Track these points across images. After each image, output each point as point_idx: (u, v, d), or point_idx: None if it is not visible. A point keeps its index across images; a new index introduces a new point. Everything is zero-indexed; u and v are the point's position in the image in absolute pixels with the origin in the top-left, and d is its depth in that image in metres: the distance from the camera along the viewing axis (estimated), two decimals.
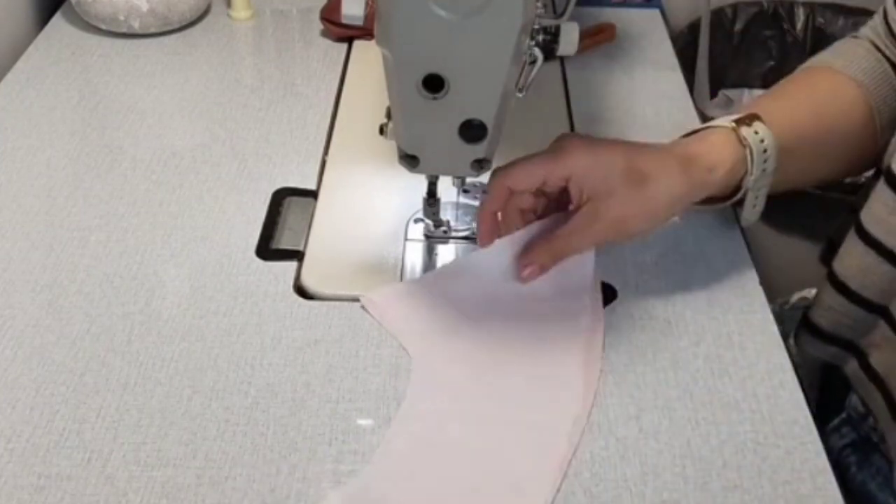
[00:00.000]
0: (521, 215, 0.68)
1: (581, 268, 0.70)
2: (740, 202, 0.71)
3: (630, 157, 0.65)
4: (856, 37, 0.78)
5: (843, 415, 0.78)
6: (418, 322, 0.68)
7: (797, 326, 0.80)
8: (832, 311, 0.75)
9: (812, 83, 0.77)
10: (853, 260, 0.72)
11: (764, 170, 0.69)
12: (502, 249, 0.69)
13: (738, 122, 0.69)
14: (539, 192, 0.67)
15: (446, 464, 0.60)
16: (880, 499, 0.73)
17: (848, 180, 1.27)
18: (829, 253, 0.77)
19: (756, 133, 0.68)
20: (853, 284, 0.72)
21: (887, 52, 0.75)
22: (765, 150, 0.68)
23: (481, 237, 0.68)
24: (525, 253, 0.68)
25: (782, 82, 0.78)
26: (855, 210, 0.73)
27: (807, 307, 0.79)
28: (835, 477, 0.59)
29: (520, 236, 0.68)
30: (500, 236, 0.68)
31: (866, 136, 0.75)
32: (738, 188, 0.70)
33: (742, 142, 0.68)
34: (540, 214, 0.69)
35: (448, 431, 0.61)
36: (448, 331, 0.68)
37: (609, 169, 0.64)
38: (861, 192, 0.74)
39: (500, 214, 0.68)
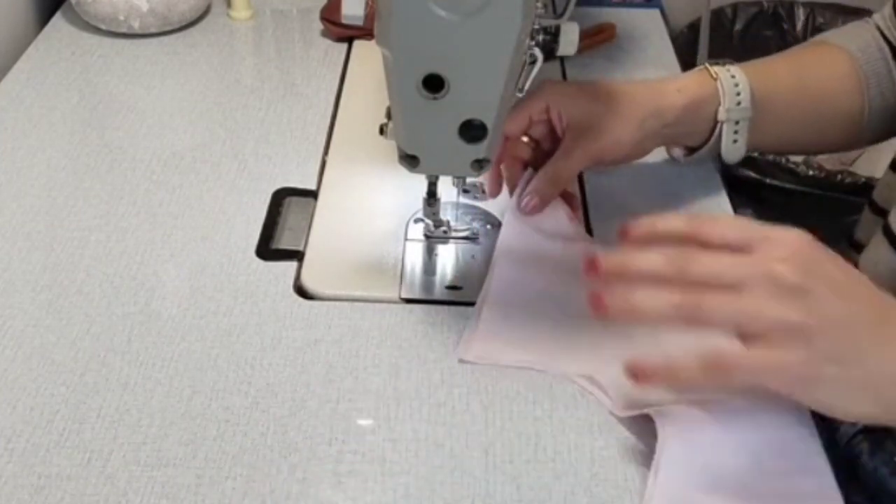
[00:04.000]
0: (521, 164, 0.74)
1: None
2: (720, 142, 0.75)
3: (599, 84, 0.73)
4: (865, 21, 0.80)
5: None
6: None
7: None
8: None
9: (799, 50, 0.81)
10: (878, 257, 0.72)
11: (738, 103, 0.73)
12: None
13: (710, 63, 0.75)
14: (534, 143, 0.74)
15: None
16: (892, 484, 0.74)
17: (848, 180, 1.28)
18: (853, 250, 0.77)
19: (727, 70, 0.74)
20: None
21: (888, 35, 0.76)
22: (736, 84, 0.73)
23: (490, 189, 0.75)
24: (525, 189, 0.72)
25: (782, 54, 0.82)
26: (884, 210, 0.74)
27: None
28: (844, 465, 0.59)
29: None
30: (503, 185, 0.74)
31: (853, 106, 0.77)
32: (713, 126, 0.74)
33: (712, 76, 0.74)
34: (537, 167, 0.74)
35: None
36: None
37: (579, 91, 0.72)
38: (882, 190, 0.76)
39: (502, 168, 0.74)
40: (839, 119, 0.77)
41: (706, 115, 0.74)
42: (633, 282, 0.53)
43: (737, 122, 0.74)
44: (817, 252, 0.53)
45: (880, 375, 0.52)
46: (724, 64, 0.75)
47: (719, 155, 0.77)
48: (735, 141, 0.75)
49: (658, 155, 0.81)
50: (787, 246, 0.52)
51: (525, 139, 0.75)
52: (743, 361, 0.52)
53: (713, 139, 0.75)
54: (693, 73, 0.76)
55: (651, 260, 0.53)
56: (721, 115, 0.74)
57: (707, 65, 0.75)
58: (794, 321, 0.51)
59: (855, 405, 0.54)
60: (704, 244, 0.53)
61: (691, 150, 0.79)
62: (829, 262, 0.53)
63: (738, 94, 0.73)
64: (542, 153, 0.74)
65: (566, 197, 0.75)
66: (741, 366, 0.52)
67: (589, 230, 0.78)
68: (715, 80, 0.74)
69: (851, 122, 0.77)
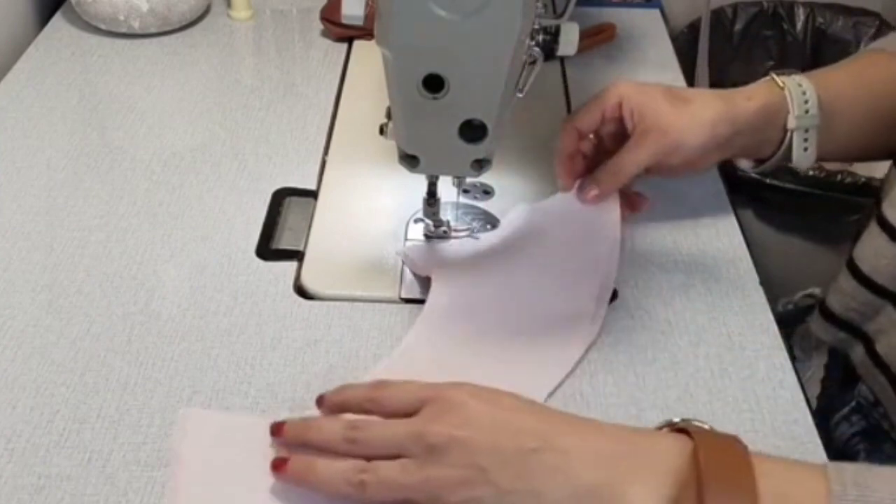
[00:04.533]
0: (585, 160, 0.75)
1: (608, 222, 0.74)
2: (789, 151, 0.75)
3: (672, 89, 0.74)
4: None
5: (853, 403, 0.79)
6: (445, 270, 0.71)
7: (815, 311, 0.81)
8: (844, 295, 0.75)
9: (857, 59, 0.80)
10: (870, 244, 0.73)
11: (807, 111, 0.73)
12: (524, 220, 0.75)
13: (776, 74, 0.75)
14: (598, 142, 0.76)
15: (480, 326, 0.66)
16: None
17: (848, 180, 1.28)
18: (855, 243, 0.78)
19: (793, 79, 0.74)
20: (865, 268, 0.73)
21: None
22: (804, 93, 0.73)
23: (564, 179, 0.74)
24: (586, 180, 0.73)
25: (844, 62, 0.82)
26: (879, 200, 0.74)
27: (810, 306, 0.80)
28: None
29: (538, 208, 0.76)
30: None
31: None
32: (783, 136, 0.74)
33: (780, 85, 0.74)
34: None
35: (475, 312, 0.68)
36: (470, 270, 0.72)
37: (653, 90, 0.73)
38: (885, 182, 0.76)
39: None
40: None
41: (776, 124, 0.74)
42: (312, 447, 0.56)
43: (806, 130, 0.74)
44: (473, 401, 0.53)
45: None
46: (789, 74, 0.75)
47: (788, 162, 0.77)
48: (805, 149, 0.74)
49: None
50: (444, 402, 0.53)
51: (591, 136, 0.76)
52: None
53: (783, 148, 0.75)
54: (760, 83, 0.75)
55: (325, 430, 0.56)
56: (791, 124, 0.73)
57: (773, 74, 0.75)
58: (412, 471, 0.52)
59: None
60: (383, 410, 0.56)
61: (759, 161, 0.78)
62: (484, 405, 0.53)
63: (807, 101, 0.73)
64: (604, 153, 0.74)
65: (631, 198, 0.75)
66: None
67: None
68: (782, 88, 0.73)
69: None
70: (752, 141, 0.74)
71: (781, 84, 0.74)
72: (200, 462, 0.57)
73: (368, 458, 0.53)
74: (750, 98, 0.73)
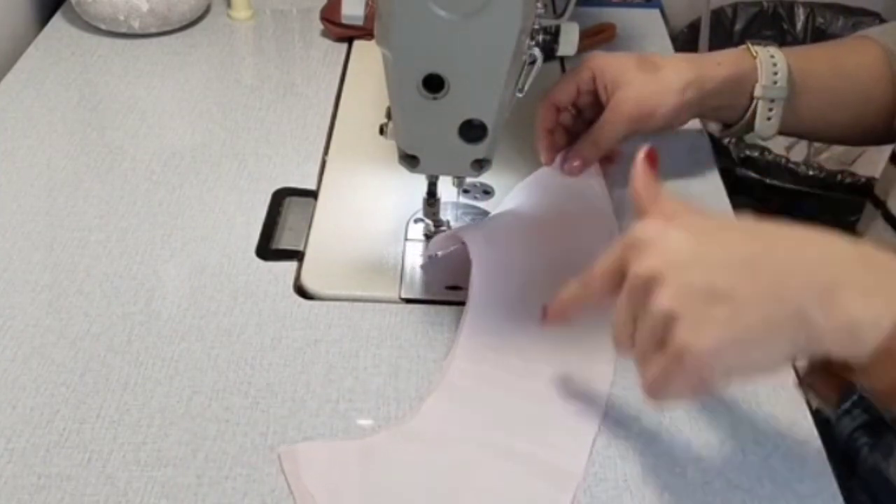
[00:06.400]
0: (566, 133, 0.78)
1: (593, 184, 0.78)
2: (754, 119, 0.78)
3: (642, 56, 0.77)
4: None
5: (854, 397, 0.78)
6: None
7: None
8: None
9: (839, 41, 0.83)
10: (874, 242, 0.73)
11: (775, 82, 0.75)
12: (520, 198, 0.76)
13: (752, 43, 0.78)
14: (578, 112, 0.78)
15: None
16: (894, 478, 0.73)
17: (848, 180, 1.28)
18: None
19: (766, 50, 0.77)
20: None
21: None
22: (775, 64, 0.76)
23: (545, 154, 0.77)
24: (568, 152, 0.76)
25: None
26: (881, 199, 0.76)
27: None
28: (844, 461, 0.59)
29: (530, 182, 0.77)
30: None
31: (884, 97, 0.78)
32: (749, 103, 0.77)
33: (752, 54, 0.77)
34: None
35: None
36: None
37: (625, 61, 0.76)
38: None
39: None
40: (872, 108, 0.79)
41: (744, 91, 0.77)
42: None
43: (772, 101, 0.76)
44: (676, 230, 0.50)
45: (776, 282, 0.47)
46: (765, 45, 0.77)
47: (751, 131, 0.80)
48: (769, 119, 0.77)
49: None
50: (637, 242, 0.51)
51: (570, 109, 0.78)
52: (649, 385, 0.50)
53: (747, 115, 0.78)
54: (735, 50, 0.78)
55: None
56: (757, 92, 0.76)
57: (749, 43, 0.78)
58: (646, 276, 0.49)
59: (769, 343, 0.47)
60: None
61: (726, 126, 0.81)
62: (687, 221, 0.51)
63: (776, 73, 0.76)
64: (584, 123, 0.77)
65: (609, 155, 0.78)
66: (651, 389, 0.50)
67: None
68: (754, 57, 0.76)
69: (886, 114, 0.79)
70: (719, 104, 0.78)
71: (754, 53, 0.77)
72: (327, 492, 0.57)
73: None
74: (720, 63, 0.76)
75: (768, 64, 0.76)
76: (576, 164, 0.76)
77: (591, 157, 0.76)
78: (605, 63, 0.76)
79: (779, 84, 0.76)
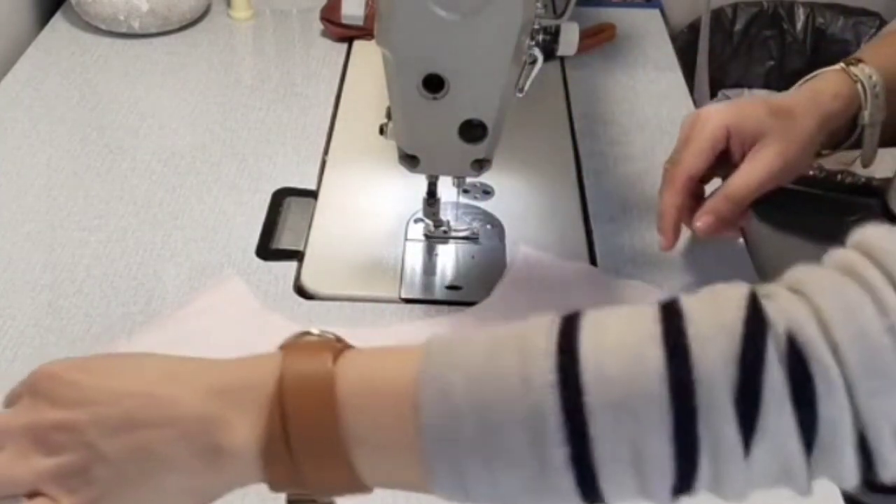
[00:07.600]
0: (698, 202, 0.70)
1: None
2: (858, 142, 0.73)
3: (768, 102, 0.70)
4: None
5: None
6: None
7: None
8: None
9: (882, 41, 0.79)
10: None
11: (877, 105, 0.71)
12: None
13: (846, 63, 0.73)
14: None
15: None
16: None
17: (848, 180, 1.27)
18: None
19: (864, 70, 0.72)
20: None
21: None
22: (875, 86, 0.71)
23: (669, 237, 0.69)
24: (700, 211, 0.69)
25: (885, 33, 0.80)
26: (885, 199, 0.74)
27: None
28: None
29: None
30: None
31: None
32: (852, 128, 0.72)
33: (853, 78, 0.71)
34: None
35: None
36: None
37: (757, 113, 0.69)
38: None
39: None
40: None
41: (848, 117, 0.72)
42: None
43: (873, 126, 0.72)
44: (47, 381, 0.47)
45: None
46: (856, 63, 0.72)
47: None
48: (871, 144, 0.73)
49: (657, 158, 0.81)
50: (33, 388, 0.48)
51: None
52: None
53: (849, 142, 0.74)
54: (835, 75, 0.72)
55: None
56: (863, 119, 0.72)
57: (843, 64, 0.73)
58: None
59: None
60: None
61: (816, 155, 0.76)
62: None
63: (877, 95, 0.71)
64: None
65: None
66: None
67: (589, 234, 0.78)
68: (856, 82, 0.71)
69: None
70: (828, 138, 0.73)
71: (854, 77, 0.71)
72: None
73: None
74: (835, 96, 0.71)
75: (870, 85, 0.71)
76: (710, 222, 0.68)
77: (726, 215, 0.69)
78: (740, 116, 0.69)
79: (880, 104, 0.71)
